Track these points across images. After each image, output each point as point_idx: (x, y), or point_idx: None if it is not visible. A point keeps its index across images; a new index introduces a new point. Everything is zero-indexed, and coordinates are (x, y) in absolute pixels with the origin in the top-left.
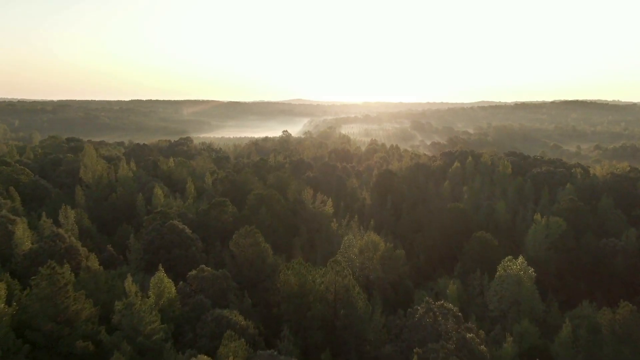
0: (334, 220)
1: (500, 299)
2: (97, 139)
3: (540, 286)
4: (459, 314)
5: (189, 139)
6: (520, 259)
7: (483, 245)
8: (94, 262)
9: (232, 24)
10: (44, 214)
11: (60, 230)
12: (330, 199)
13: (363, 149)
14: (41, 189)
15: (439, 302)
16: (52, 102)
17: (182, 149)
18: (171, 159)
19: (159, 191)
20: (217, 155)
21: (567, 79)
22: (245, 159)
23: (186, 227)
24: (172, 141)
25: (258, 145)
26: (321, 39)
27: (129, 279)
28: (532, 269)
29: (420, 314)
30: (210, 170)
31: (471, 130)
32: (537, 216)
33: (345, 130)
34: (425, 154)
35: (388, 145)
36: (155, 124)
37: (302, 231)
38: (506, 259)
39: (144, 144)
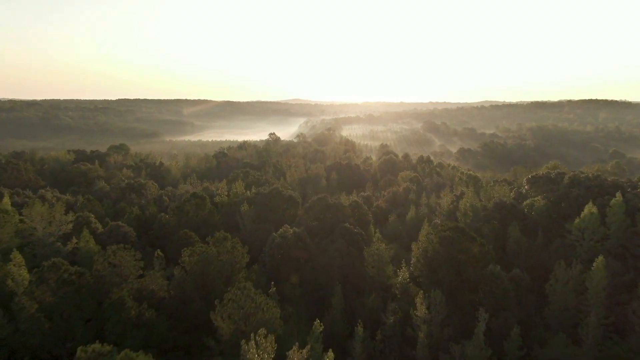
0: None
1: None
2: (43, 143)
3: None
4: None
5: (123, 147)
6: None
7: None
8: None
9: (232, 22)
10: None
11: None
12: (331, 351)
13: (374, 157)
14: None
15: None
16: (12, 101)
17: (80, 170)
18: (5, 199)
19: None
20: (133, 181)
21: (568, 79)
22: (189, 183)
23: None
24: (90, 152)
25: (226, 156)
26: (320, 38)
27: None
28: None
29: None
30: (65, 228)
31: (499, 133)
32: None
33: (347, 132)
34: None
35: (402, 152)
36: (126, 125)
37: None
38: None
39: (8, 161)
